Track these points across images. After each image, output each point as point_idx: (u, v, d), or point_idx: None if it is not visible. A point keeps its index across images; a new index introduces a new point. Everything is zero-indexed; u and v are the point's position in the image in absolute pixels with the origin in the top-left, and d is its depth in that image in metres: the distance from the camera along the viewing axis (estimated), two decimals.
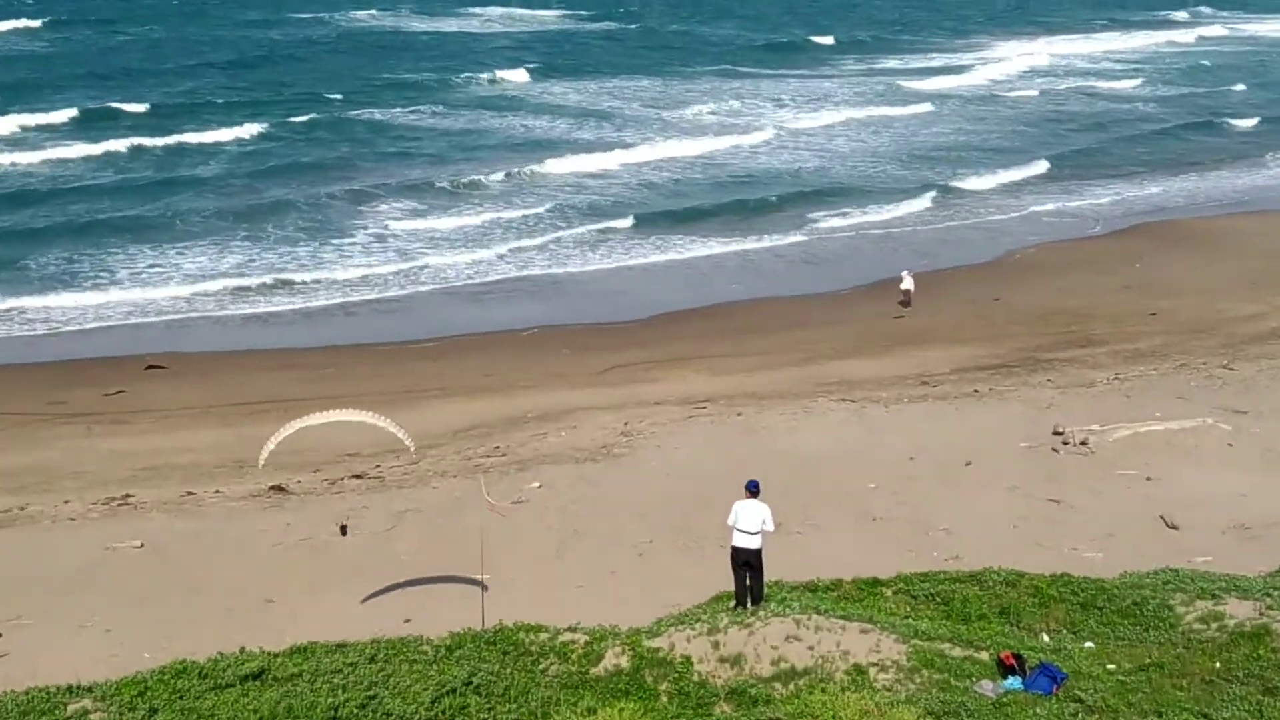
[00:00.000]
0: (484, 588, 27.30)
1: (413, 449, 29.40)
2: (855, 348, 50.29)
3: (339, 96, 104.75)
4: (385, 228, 68.77)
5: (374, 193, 75.21)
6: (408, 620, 27.09)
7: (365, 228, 68.71)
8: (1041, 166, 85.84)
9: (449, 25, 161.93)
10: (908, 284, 55.88)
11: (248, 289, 58.00)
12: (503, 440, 40.49)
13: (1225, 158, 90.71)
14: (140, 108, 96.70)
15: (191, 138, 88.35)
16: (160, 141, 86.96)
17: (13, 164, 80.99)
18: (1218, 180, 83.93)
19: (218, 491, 36.85)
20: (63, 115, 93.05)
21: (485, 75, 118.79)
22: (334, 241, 65.42)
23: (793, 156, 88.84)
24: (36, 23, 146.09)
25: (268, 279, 59.29)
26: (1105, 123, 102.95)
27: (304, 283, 59.29)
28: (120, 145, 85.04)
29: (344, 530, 31.13)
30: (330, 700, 20.07)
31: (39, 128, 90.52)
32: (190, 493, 36.59)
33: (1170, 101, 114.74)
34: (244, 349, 50.37)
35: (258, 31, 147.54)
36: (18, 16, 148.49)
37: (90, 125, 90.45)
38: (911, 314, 54.70)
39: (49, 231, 65.55)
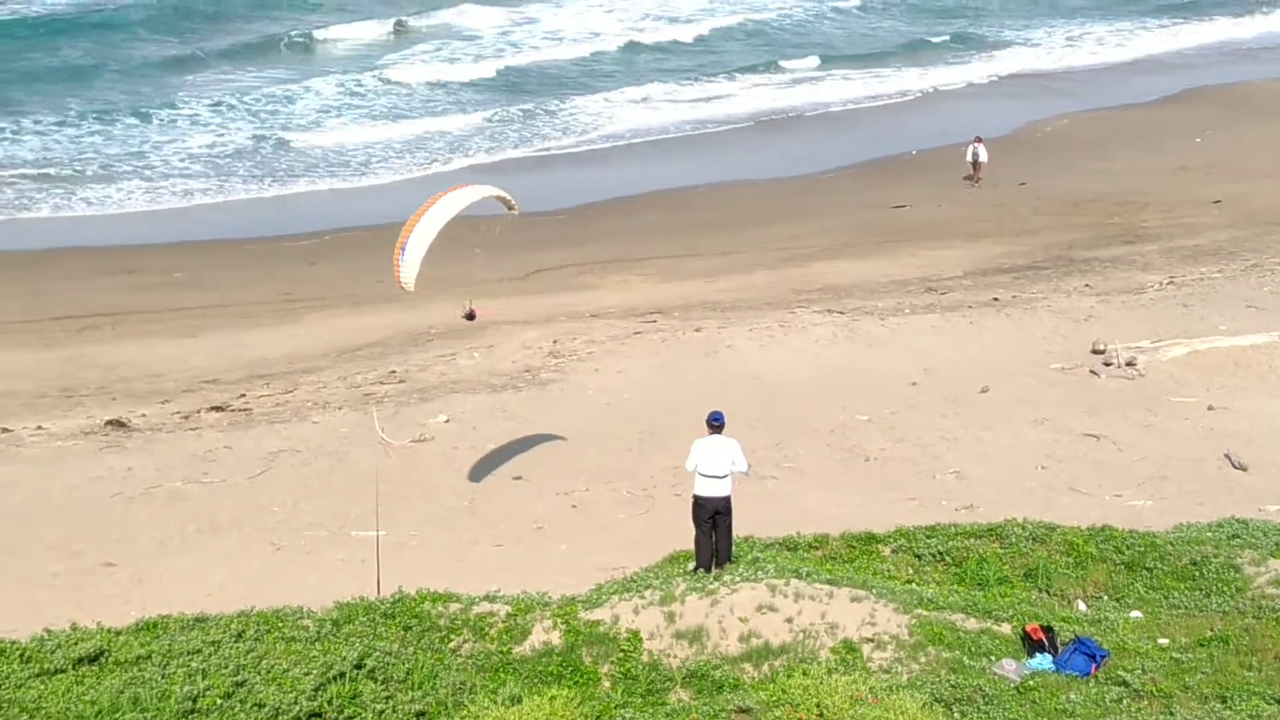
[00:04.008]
0: (379, 547, 27.32)
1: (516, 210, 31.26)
2: (844, 245, 50.43)
3: None
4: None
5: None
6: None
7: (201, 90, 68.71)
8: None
9: None
10: (982, 155, 56.73)
11: (65, 173, 57.54)
12: (400, 363, 40.47)
13: None
14: None
15: None
16: None
17: None
18: None
19: (40, 428, 36.64)
20: None
21: None
22: (174, 109, 65.00)
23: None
24: None
25: (92, 157, 59.04)
26: None
27: (141, 160, 59.07)
28: None
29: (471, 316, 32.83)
30: (187, 689, 19.99)
31: None
32: (4, 429, 36.36)
33: None
34: (67, 247, 49.96)
35: None
36: None
37: None
38: (976, 196, 55.45)
39: None
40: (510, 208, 30.90)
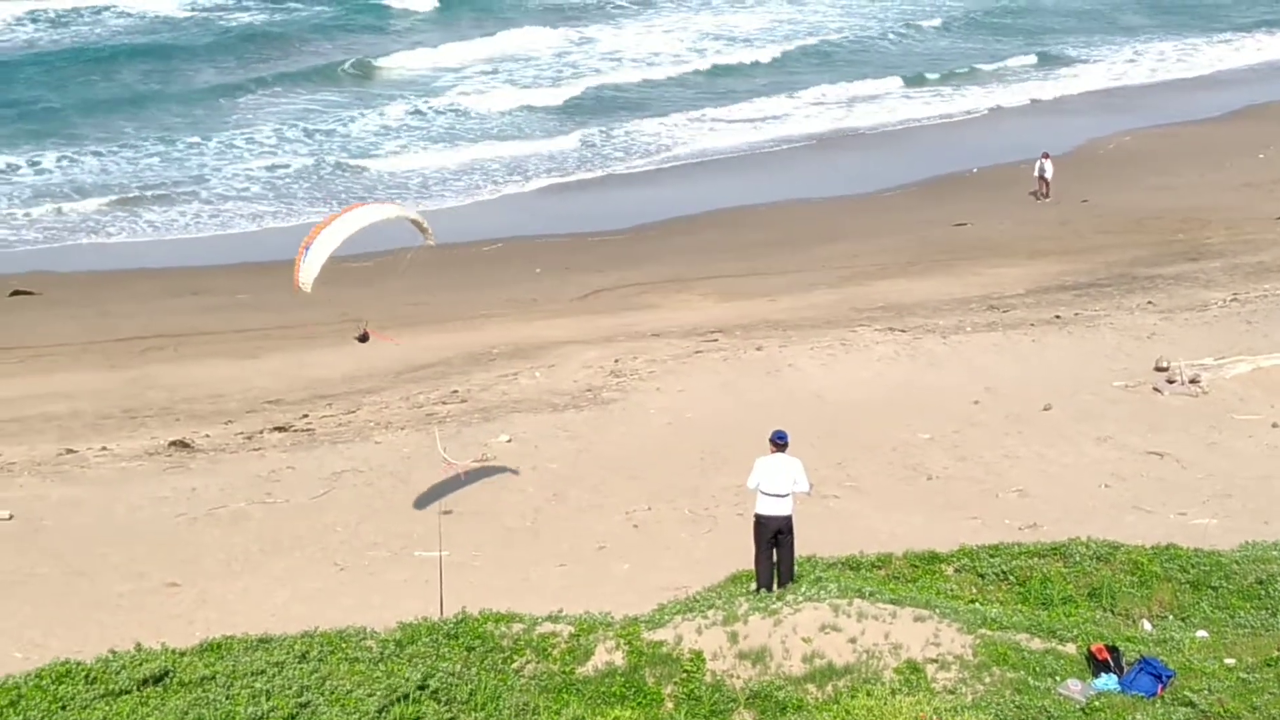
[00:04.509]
0: (441, 567, 27.36)
1: (430, 239, 31.44)
2: (905, 263, 50.39)
3: None
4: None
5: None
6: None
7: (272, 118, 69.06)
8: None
9: None
10: (1048, 170, 57.05)
11: (128, 197, 57.97)
12: (462, 383, 40.57)
13: None
14: None
15: None
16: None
17: None
18: None
19: (104, 449, 36.86)
20: None
21: None
22: (233, 132, 65.37)
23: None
24: None
25: (153, 180, 59.52)
26: None
27: (202, 184, 59.52)
28: None
29: (364, 338, 32.54)
30: (251, 710, 20.07)
31: None
32: (70, 450, 36.59)
33: None
34: (132, 269, 50.25)
35: None
36: None
37: None
38: (1041, 212, 55.46)
39: None
40: (424, 233, 30.81)
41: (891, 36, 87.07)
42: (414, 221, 31.28)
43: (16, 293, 47.66)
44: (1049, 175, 57.33)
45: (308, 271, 29.98)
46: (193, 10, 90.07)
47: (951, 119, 70.76)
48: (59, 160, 61.75)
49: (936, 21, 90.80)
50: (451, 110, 70.37)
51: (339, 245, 30.05)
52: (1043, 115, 70.71)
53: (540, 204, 58.45)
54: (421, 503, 30.87)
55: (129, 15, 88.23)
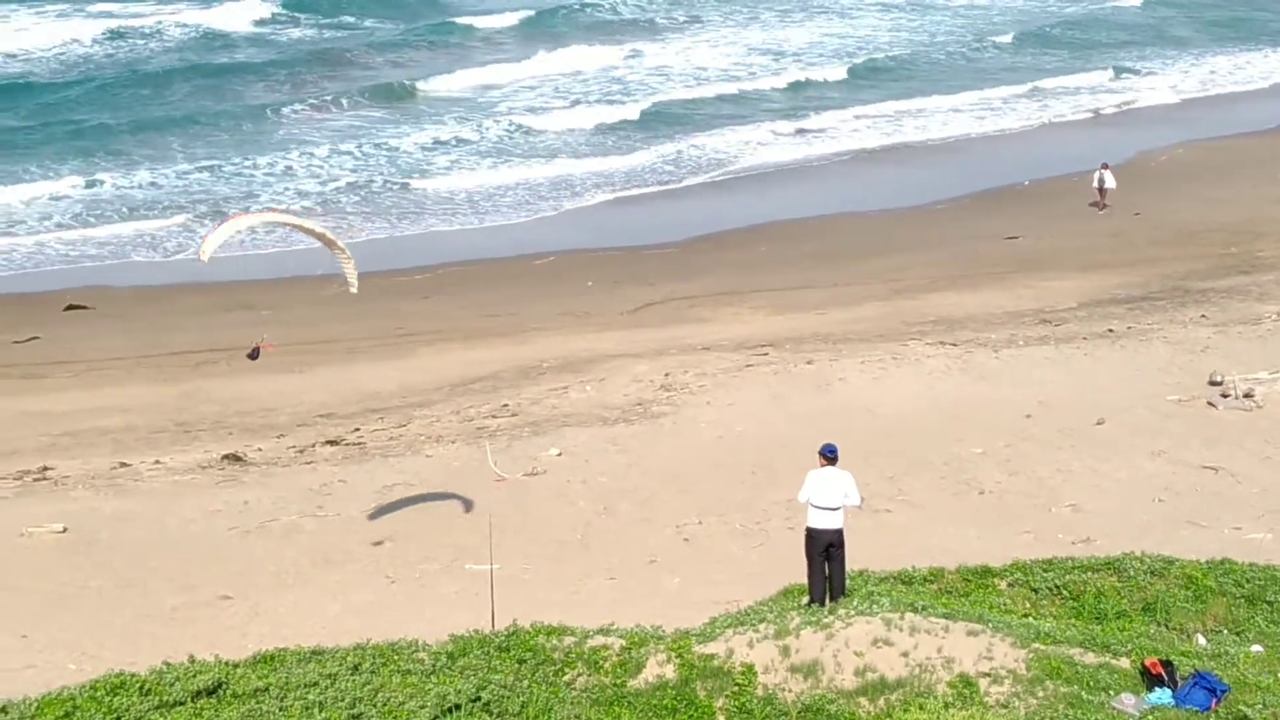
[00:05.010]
0: (492, 580, 27.38)
1: (354, 289, 31.02)
2: (956, 276, 50.27)
3: None
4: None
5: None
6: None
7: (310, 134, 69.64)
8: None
9: None
10: (1109, 181, 57.23)
11: (181, 213, 58.47)
12: (512, 397, 40.62)
13: None
14: None
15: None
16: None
17: None
18: None
19: (157, 462, 37.04)
20: None
21: None
22: (284, 151, 65.84)
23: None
24: None
25: (203, 197, 60.08)
26: None
27: (253, 200, 59.87)
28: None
29: (254, 355, 32.60)
30: None
31: None
32: (123, 464, 36.79)
33: None
34: (185, 284, 50.49)
35: None
36: None
37: None
38: (1097, 222, 55.88)
39: None
40: (335, 249, 30.83)
41: (941, 52, 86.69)
42: (328, 241, 31.12)
43: (71, 307, 47.97)
44: (1110, 185, 57.16)
45: (210, 244, 30.22)
46: (256, 26, 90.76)
47: (1005, 131, 70.56)
48: (113, 177, 62.04)
49: (985, 37, 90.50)
50: (507, 128, 70.33)
51: (242, 231, 30.49)
52: (1094, 128, 70.51)
53: (592, 219, 58.57)
54: (472, 516, 30.89)
55: (188, 30, 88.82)
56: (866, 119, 72.39)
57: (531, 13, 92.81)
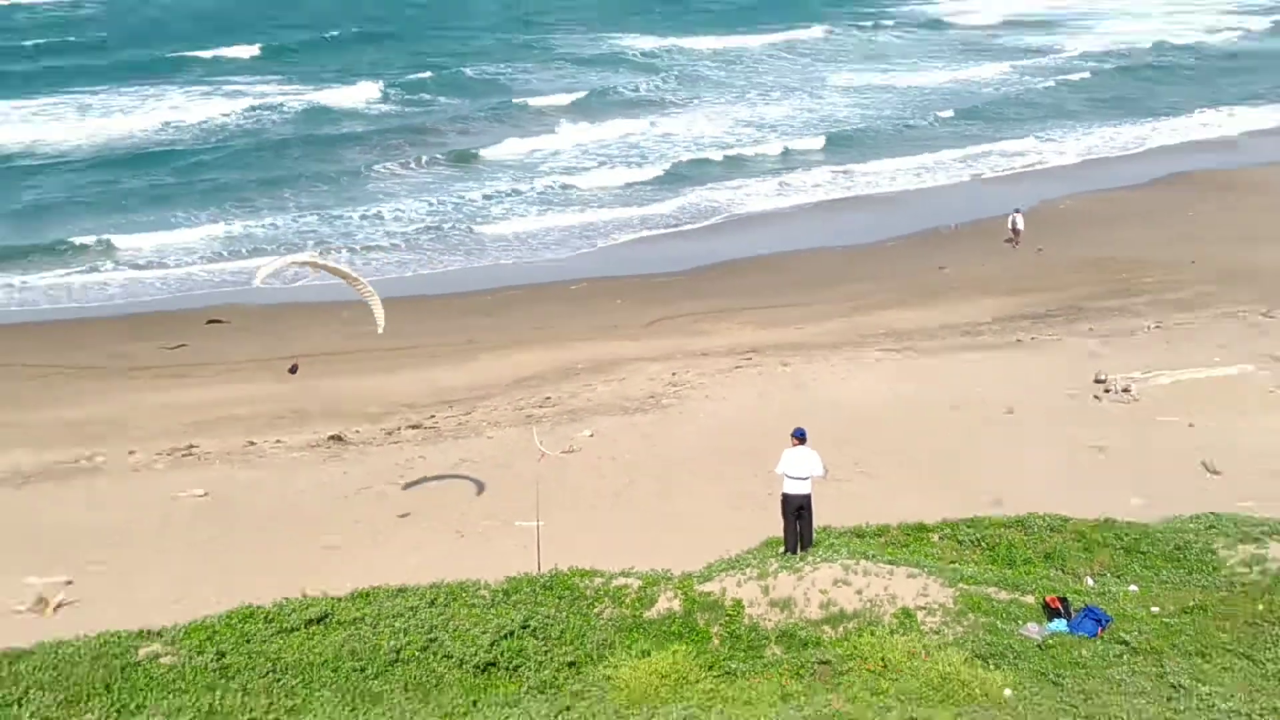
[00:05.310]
0: (539, 535, 27.44)
1: (380, 329, 31.25)
2: (901, 298, 50.13)
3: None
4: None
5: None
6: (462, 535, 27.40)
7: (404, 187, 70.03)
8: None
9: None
10: (1020, 224, 57.44)
11: (291, 248, 58.51)
12: (553, 391, 40.65)
13: None
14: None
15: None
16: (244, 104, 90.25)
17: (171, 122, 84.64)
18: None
19: (278, 441, 37.15)
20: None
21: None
22: (379, 204, 65.88)
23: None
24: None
25: (312, 236, 60.46)
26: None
27: (350, 239, 60.12)
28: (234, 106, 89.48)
29: (294, 370, 33.09)
30: (392, 643, 20.24)
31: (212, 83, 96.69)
32: (251, 443, 36.91)
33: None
34: (299, 302, 50.59)
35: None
36: None
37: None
38: (1011, 255, 55.98)
39: (145, 191, 67.97)
40: (364, 292, 31.13)
41: (890, 125, 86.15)
42: (360, 287, 31.19)
43: (211, 321, 48.11)
44: (1020, 227, 57.07)
45: (265, 270, 31.03)
46: (362, 105, 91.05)
47: (940, 187, 70.24)
48: (242, 221, 62.18)
49: (926, 116, 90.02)
50: (550, 184, 69.90)
51: (289, 267, 30.67)
52: (1010, 183, 70.04)
53: (617, 254, 58.44)
54: (522, 484, 30.92)
55: (306, 106, 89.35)
56: (832, 177, 72.05)
57: (571, 95, 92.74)
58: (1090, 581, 22.72)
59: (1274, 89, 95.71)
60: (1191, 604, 21.29)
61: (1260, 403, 36.61)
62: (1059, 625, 20.58)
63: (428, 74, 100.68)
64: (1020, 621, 20.79)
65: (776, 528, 24.20)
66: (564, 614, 21.30)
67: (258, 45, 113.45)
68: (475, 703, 19.22)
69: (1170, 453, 33.53)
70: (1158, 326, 44.64)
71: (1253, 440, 33.91)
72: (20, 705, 18.40)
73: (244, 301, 50.30)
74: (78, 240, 57.79)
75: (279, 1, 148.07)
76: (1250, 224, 58.99)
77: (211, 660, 19.84)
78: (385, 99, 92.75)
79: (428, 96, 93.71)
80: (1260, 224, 58.88)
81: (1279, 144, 78.04)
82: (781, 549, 23.69)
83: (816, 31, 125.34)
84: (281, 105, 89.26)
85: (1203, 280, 51.11)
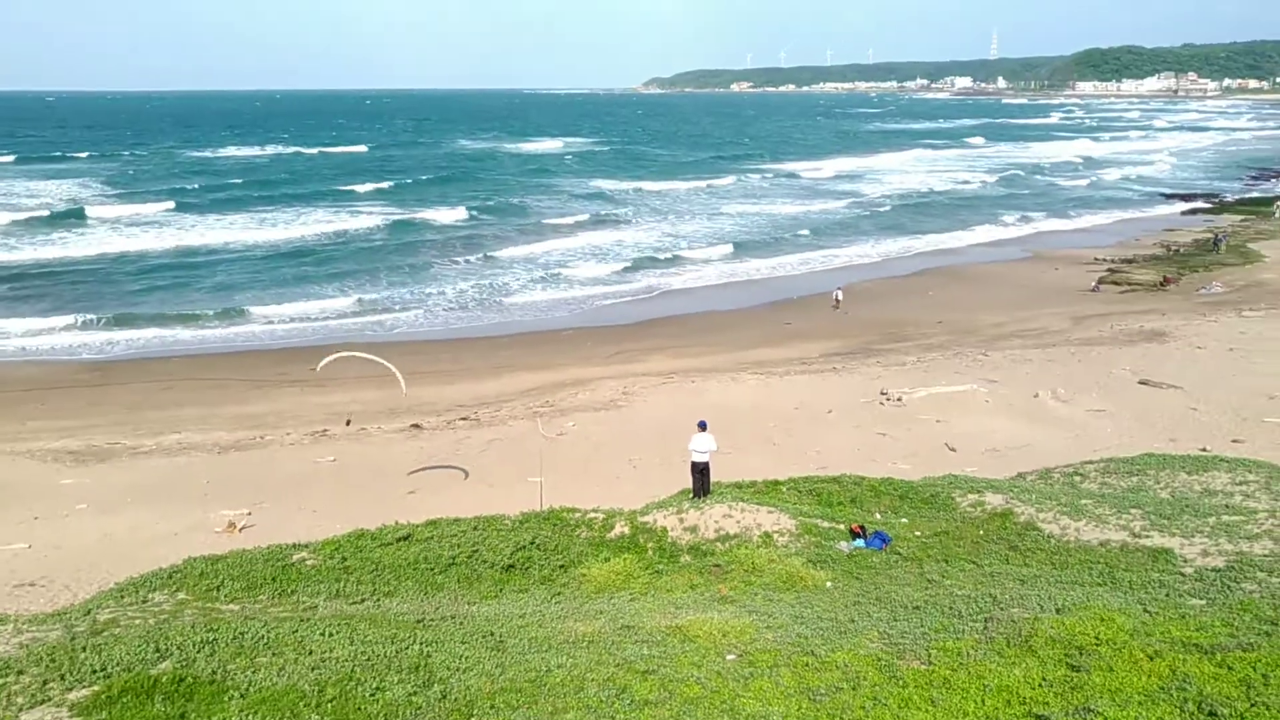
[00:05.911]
0: (541, 486, 27.32)
1: (404, 390, 31.28)
2: (763, 341, 50.22)
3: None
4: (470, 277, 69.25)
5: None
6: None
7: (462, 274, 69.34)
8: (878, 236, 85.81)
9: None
10: (841, 296, 57.43)
11: (382, 309, 58.19)
12: (550, 397, 40.46)
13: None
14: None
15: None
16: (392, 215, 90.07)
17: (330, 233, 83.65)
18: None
19: (378, 427, 36.84)
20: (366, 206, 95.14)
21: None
22: (440, 285, 64.95)
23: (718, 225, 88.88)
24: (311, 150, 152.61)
25: (396, 301, 59.87)
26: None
27: (421, 305, 59.54)
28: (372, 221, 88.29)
29: (349, 422, 33.16)
30: (450, 553, 20.13)
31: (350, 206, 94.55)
32: (361, 428, 36.56)
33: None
34: (391, 341, 50.02)
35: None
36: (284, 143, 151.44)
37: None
38: (832, 316, 55.44)
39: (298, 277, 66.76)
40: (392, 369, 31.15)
41: (762, 237, 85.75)
42: (388, 367, 31.21)
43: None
44: (840, 298, 57.22)
45: (325, 363, 30.70)
46: (448, 221, 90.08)
47: (792, 273, 70.49)
48: (358, 292, 61.66)
49: (785, 232, 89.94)
50: (553, 272, 69.10)
51: (334, 359, 30.34)
52: (833, 272, 70.49)
53: (594, 313, 58.21)
54: (530, 455, 30.78)
55: (404, 219, 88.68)
56: (726, 267, 71.94)
57: (567, 218, 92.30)
58: (878, 516, 22.82)
59: (990, 216, 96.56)
60: (939, 530, 21.45)
61: (980, 408, 36.94)
62: (860, 543, 20.67)
63: (476, 203, 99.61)
64: (836, 541, 20.87)
65: (688, 482, 24.19)
66: (557, 535, 21.20)
67: (369, 184, 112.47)
68: (501, 589, 19.12)
69: (926, 438, 33.79)
70: (919, 361, 44.95)
71: (975, 431, 34.24)
72: (219, 590, 18.25)
73: (353, 339, 49.91)
74: (253, 308, 56.94)
75: (383, 158, 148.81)
76: (974, 300, 59.54)
77: (338, 563, 19.69)
78: (449, 218, 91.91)
79: (475, 216, 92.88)
80: (979, 300, 59.45)
81: (993, 251, 78.71)
82: (691, 495, 23.68)
83: (728, 180, 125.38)
84: (389, 220, 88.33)
85: (945, 333, 51.57)
